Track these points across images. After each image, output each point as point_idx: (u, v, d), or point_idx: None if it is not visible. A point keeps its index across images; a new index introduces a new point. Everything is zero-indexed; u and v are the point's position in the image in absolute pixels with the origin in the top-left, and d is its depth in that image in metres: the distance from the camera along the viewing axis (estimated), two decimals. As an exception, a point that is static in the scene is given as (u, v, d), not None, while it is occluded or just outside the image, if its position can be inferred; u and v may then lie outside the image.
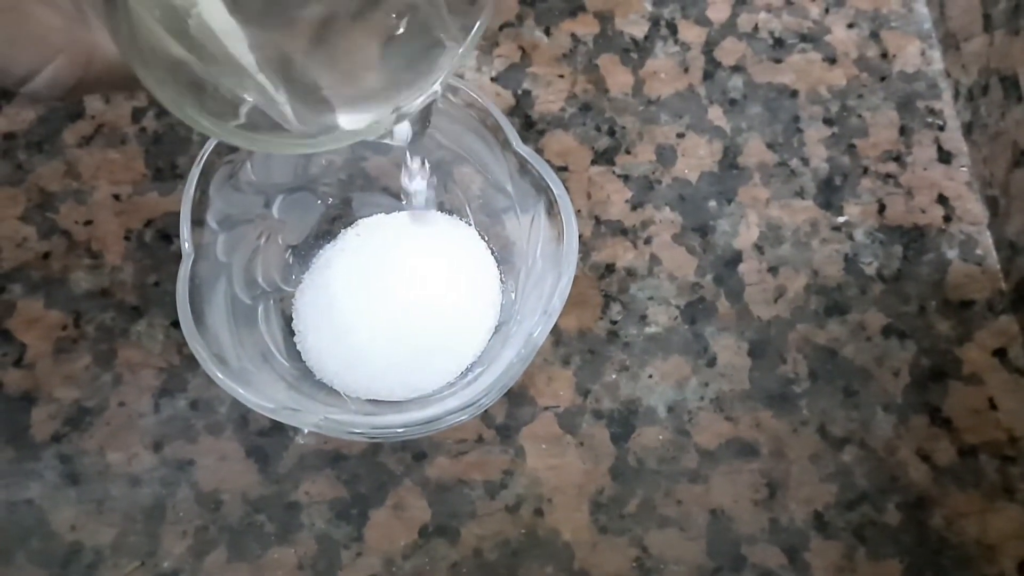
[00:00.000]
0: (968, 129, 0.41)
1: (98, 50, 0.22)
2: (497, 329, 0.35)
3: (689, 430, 0.36)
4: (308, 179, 0.36)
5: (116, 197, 0.39)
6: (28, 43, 0.21)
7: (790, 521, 0.34)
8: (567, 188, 0.31)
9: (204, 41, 0.23)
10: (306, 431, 0.35)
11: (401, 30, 0.27)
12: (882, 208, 0.40)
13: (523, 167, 0.32)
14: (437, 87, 0.27)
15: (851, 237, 0.39)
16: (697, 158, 0.41)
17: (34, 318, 0.37)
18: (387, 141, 0.29)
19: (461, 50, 0.27)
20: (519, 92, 0.42)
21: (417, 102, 0.27)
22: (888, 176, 0.40)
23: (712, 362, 0.37)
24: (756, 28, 0.44)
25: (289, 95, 0.25)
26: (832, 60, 0.43)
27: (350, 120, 0.27)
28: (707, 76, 0.43)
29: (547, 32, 0.43)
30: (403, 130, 0.29)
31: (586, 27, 0.44)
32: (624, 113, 0.42)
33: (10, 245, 0.38)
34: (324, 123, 0.26)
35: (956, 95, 0.42)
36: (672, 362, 0.37)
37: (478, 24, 0.27)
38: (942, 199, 0.40)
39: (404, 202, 0.34)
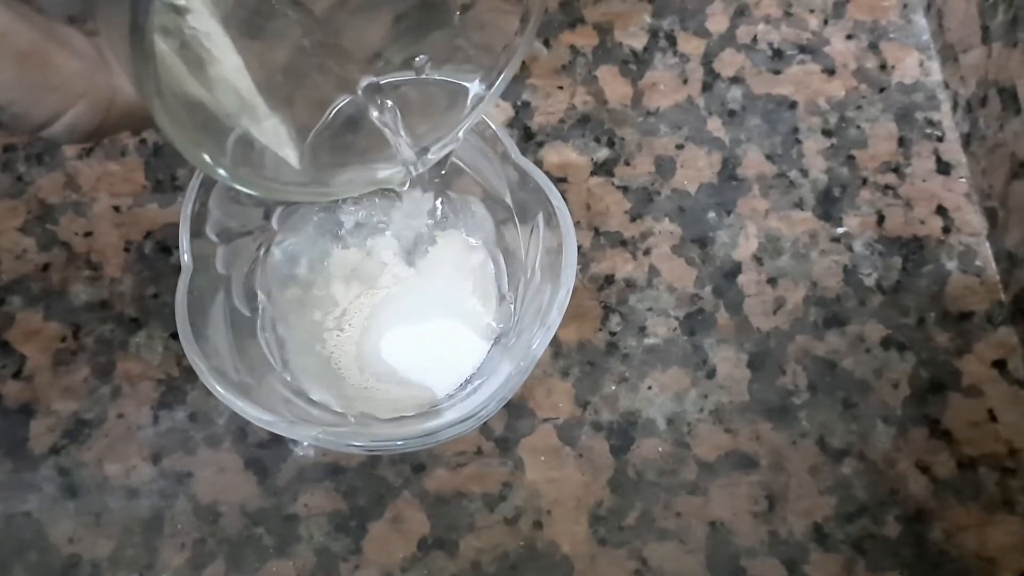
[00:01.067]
0: (967, 140, 0.41)
1: (119, 94, 0.22)
2: (496, 341, 0.35)
3: (688, 442, 0.36)
4: (307, 191, 0.36)
5: (116, 209, 0.39)
6: (49, 89, 0.21)
7: (789, 534, 0.34)
8: (566, 199, 0.31)
9: (221, 85, 0.23)
10: (305, 443, 0.35)
11: (425, 73, 0.27)
12: (881, 219, 0.40)
13: (522, 179, 0.32)
14: (460, 135, 0.27)
15: (850, 248, 0.39)
16: (696, 169, 0.41)
17: (33, 330, 0.37)
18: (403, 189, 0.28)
19: (487, 99, 0.27)
20: (518, 104, 0.42)
21: (441, 152, 0.27)
22: (887, 187, 0.40)
23: (711, 374, 0.37)
24: (755, 40, 0.44)
25: (309, 140, 0.25)
26: (831, 71, 0.43)
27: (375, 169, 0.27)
28: (706, 87, 0.43)
29: (546, 44, 0.44)
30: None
31: (585, 39, 0.44)
32: (623, 124, 0.42)
33: (9, 257, 0.38)
34: (345, 172, 0.26)
35: (955, 106, 0.42)
36: (671, 374, 0.37)
37: (505, 72, 0.26)
38: (941, 210, 0.40)
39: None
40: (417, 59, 0.26)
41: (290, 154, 0.25)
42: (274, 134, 0.24)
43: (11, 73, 0.20)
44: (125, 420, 0.36)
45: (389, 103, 0.26)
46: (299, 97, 0.25)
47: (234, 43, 0.23)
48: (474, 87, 0.27)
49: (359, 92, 0.26)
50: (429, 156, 0.27)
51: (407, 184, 0.27)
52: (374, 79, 0.26)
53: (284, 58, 0.25)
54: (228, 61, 0.23)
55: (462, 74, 0.27)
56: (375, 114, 0.26)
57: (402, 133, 0.26)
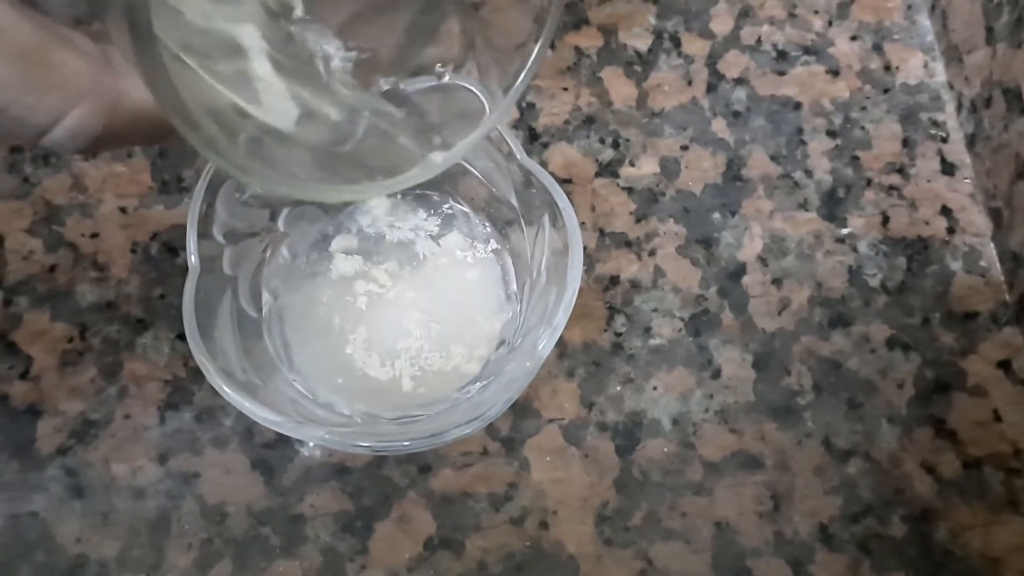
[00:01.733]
0: (971, 141, 0.41)
1: (124, 96, 0.21)
2: (502, 342, 0.35)
3: (694, 442, 0.36)
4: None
5: (122, 210, 0.40)
6: (49, 89, 0.20)
7: (795, 534, 0.34)
8: (571, 200, 0.31)
9: (240, 84, 0.23)
10: (311, 444, 0.35)
11: (447, 78, 0.27)
12: (886, 220, 0.40)
13: (528, 180, 0.32)
14: (478, 139, 0.27)
15: (855, 249, 0.39)
16: (701, 170, 0.41)
17: (40, 331, 0.37)
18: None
19: (505, 102, 0.27)
20: (523, 105, 0.42)
21: (458, 155, 0.27)
22: (891, 188, 0.40)
23: (716, 374, 0.37)
24: (759, 41, 0.44)
25: (327, 141, 0.25)
26: (835, 72, 0.43)
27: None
28: (711, 88, 0.43)
29: (551, 45, 0.44)
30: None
31: (590, 40, 0.44)
32: (628, 125, 0.42)
33: (16, 258, 0.39)
34: (362, 174, 0.26)
35: (959, 107, 0.42)
36: (676, 374, 0.37)
37: (523, 75, 0.26)
38: (945, 211, 0.40)
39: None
40: (435, 64, 0.27)
41: (307, 153, 0.25)
42: (292, 132, 0.24)
43: (11, 70, 0.19)
44: (132, 421, 0.36)
45: (407, 107, 0.26)
46: (318, 99, 0.25)
47: (258, 45, 0.23)
48: (492, 90, 0.27)
49: (378, 96, 0.26)
50: (446, 159, 0.27)
51: (424, 179, 0.28)
52: (392, 84, 0.26)
53: (304, 61, 0.25)
54: (253, 63, 0.23)
55: (480, 78, 0.27)
56: (393, 117, 0.26)
57: (419, 136, 0.26)
